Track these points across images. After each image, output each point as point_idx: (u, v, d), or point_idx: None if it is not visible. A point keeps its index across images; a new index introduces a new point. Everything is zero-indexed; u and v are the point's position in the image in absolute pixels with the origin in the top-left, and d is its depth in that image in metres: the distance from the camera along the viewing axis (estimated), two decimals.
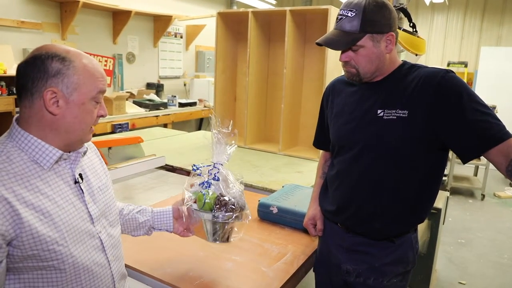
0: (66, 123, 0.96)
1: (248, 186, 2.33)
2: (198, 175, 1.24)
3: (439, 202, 2.64)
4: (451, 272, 3.29)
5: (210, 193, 1.19)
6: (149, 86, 6.10)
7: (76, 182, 1.01)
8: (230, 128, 1.21)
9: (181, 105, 5.75)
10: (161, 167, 2.63)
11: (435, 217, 2.64)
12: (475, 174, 5.69)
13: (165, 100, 5.65)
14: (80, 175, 1.03)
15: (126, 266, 1.31)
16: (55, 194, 0.95)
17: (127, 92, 5.40)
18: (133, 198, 2.06)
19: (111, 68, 5.38)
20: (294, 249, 1.53)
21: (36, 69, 0.93)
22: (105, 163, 2.42)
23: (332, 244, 1.43)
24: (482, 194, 5.16)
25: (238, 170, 2.64)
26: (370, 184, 1.29)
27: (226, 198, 1.19)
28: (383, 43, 1.24)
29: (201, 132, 4.29)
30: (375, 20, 1.21)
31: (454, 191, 5.29)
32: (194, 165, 1.26)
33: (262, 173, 2.59)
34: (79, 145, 1.04)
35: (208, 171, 1.23)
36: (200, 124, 6.73)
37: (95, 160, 1.15)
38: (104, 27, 5.32)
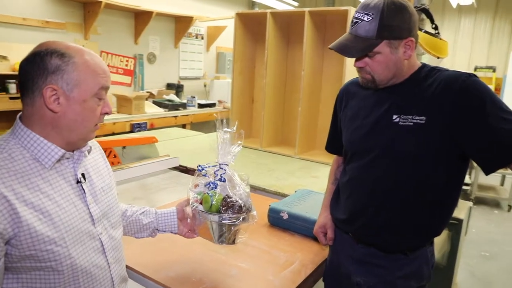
0: (68, 121, 0.94)
1: (261, 190, 2.28)
2: (203, 175, 1.21)
3: (461, 213, 2.53)
4: (473, 286, 3.15)
5: (217, 194, 1.16)
6: (169, 86, 6.13)
7: (78, 182, 0.99)
8: (235, 128, 1.17)
9: (201, 106, 5.75)
10: (175, 168, 2.61)
11: (457, 228, 2.52)
12: (502, 184, 5.46)
13: (185, 101, 5.66)
14: (83, 174, 1.01)
15: (128, 267, 1.29)
16: (55, 194, 0.93)
17: (147, 92, 5.44)
18: (144, 199, 2.04)
19: (131, 68, 5.45)
20: (302, 257, 1.47)
21: (35, 66, 0.91)
22: (119, 162, 2.43)
23: (343, 254, 1.36)
24: (508, 205, 4.94)
25: (252, 173, 2.61)
26: (383, 194, 1.22)
27: (233, 199, 1.15)
28: (401, 49, 1.17)
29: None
30: (394, 25, 1.14)
31: (479, 201, 5.09)
32: (199, 166, 1.22)
33: (276, 176, 2.54)
34: (83, 143, 1.01)
35: (214, 172, 1.19)
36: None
37: (99, 160, 1.13)
38: (126, 27, 5.37)
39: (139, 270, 1.31)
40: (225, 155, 1.19)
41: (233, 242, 1.21)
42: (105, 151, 2.34)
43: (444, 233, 2.50)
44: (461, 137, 1.12)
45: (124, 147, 2.48)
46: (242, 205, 1.15)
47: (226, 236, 1.18)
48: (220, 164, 1.19)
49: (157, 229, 1.29)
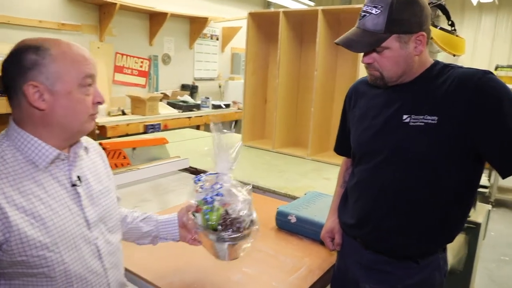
0: (58, 117, 0.91)
1: (271, 192, 2.24)
2: (200, 187, 1.12)
3: (479, 216, 2.43)
4: None
5: (214, 211, 1.07)
6: (184, 87, 6.14)
7: (73, 185, 0.96)
8: (232, 129, 1.11)
9: (215, 106, 5.74)
10: (185, 169, 2.60)
11: (474, 232, 2.43)
12: None
13: (199, 102, 5.66)
14: (79, 177, 0.98)
15: (129, 271, 1.26)
16: (49, 197, 0.90)
17: (161, 93, 5.45)
18: (151, 201, 2.03)
19: (146, 69, 5.48)
20: (310, 262, 1.43)
21: (13, 65, 0.89)
22: (128, 163, 2.42)
23: (350, 260, 1.31)
24: None
25: (263, 174, 2.57)
26: (393, 197, 1.17)
27: (233, 216, 1.06)
28: (411, 44, 1.11)
29: (232, 134, 4.25)
30: (403, 19, 1.08)
31: (499, 204, 4.93)
32: (196, 177, 1.14)
33: (287, 178, 2.49)
34: (79, 136, 0.98)
35: (211, 186, 1.10)
36: (234, 126, 6.71)
37: (98, 162, 1.09)
38: (141, 28, 5.40)
39: (140, 274, 1.29)
40: (222, 164, 1.11)
41: (235, 257, 1.14)
42: (114, 153, 2.36)
43: (461, 237, 2.42)
44: (475, 138, 1.06)
45: (134, 148, 2.47)
46: (242, 221, 1.07)
47: (227, 253, 1.11)
48: (218, 175, 1.11)
49: (158, 237, 1.24)
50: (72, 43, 0.95)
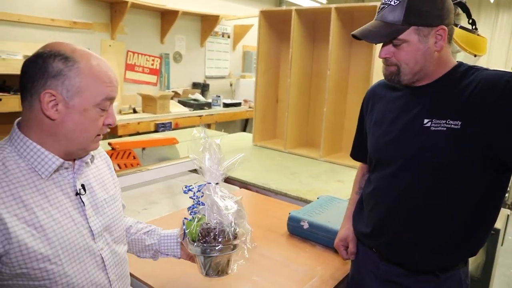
0: (66, 130, 0.87)
1: (282, 195, 2.19)
2: (190, 197, 1.05)
3: (497, 222, 2.34)
4: None
5: (196, 220, 1.01)
6: (195, 85, 6.11)
7: (77, 193, 0.92)
8: (219, 142, 1.02)
9: (226, 105, 5.70)
10: (195, 170, 2.56)
11: (493, 238, 2.34)
12: None
13: (210, 100, 5.62)
14: (83, 186, 0.94)
15: (134, 276, 1.22)
16: (51, 207, 0.86)
17: (172, 91, 5.43)
18: (159, 203, 1.99)
19: (157, 68, 5.46)
20: (322, 272, 1.37)
21: (37, 68, 0.85)
22: (138, 164, 2.39)
23: (365, 270, 1.25)
24: None
25: (274, 176, 2.52)
26: (412, 207, 1.10)
27: (211, 226, 0.99)
28: (431, 38, 1.05)
29: (242, 133, 4.20)
30: (423, 10, 1.03)
31: None
32: (186, 186, 1.06)
33: (300, 180, 2.44)
34: (83, 154, 0.95)
35: (194, 194, 1.03)
36: (245, 125, 6.66)
37: (103, 170, 1.05)
38: (152, 26, 5.38)
39: (146, 281, 1.25)
40: (210, 172, 1.03)
41: (223, 273, 1.06)
42: (124, 153, 2.33)
43: None
44: (501, 146, 0.99)
45: (143, 148, 2.44)
46: (220, 232, 0.99)
47: (211, 268, 1.03)
48: (205, 184, 1.03)
49: (159, 252, 1.20)
50: (102, 60, 0.91)
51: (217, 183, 1.03)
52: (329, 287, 1.29)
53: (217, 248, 0.99)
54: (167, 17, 5.38)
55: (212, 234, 0.99)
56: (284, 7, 6.85)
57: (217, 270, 1.04)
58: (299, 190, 2.22)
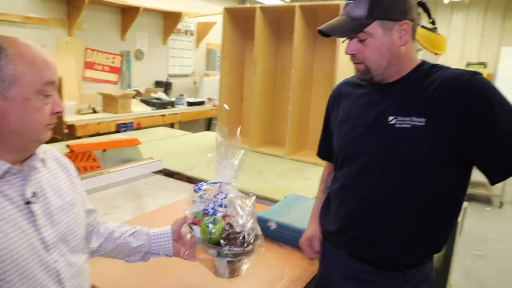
0: (11, 125, 0.80)
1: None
2: (200, 197, 1.03)
3: None
4: (466, 287, 3.07)
5: (217, 223, 0.98)
6: (158, 84, 5.97)
7: (27, 202, 0.85)
8: (238, 136, 1.01)
9: (190, 104, 5.61)
10: (159, 172, 2.49)
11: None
12: None
13: (173, 99, 5.52)
14: (34, 193, 0.86)
15: None
16: None
17: (134, 90, 5.28)
18: (121, 207, 1.91)
19: (118, 66, 5.29)
20: (291, 272, 1.36)
21: None
22: (98, 167, 2.29)
23: (333, 270, 1.25)
24: (500, 202, 4.89)
25: (241, 174, 2.47)
26: (378, 203, 1.11)
27: (236, 230, 0.98)
28: (395, 33, 1.06)
29: (207, 133, 4.14)
30: (386, 5, 1.04)
31: (470, 198, 5.02)
32: (196, 185, 1.05)
33: (265, 179, 2.42)
34: (35, 148, 0.87)
35: (214, 195, 1.02)
36: (209, 124, 6.59)
37: (58, 174, 0.97)
38: (112, 23, 5.20)
39: None
40: (225, 171, 1.02)
41: (237, 274, 1.05)
42: (83, 155, 2.23)
43: None
44: (464, 142, 1.01)
45: (104, 150, 2.35)
46: (247, 235, 0.98)
47: (228, 270, 1.02)
48: (220, 184, 1.02)
49: (150, 253, 1.14)
50: (32, 44, 0.84)
51: (230, 183, 1.02)
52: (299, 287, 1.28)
53: (246, 250, 0.97)
54: (127, 13, 5.23)
55: (236, 236, 0.97)
56: (248, 5, 6.83)
57: (233, 271, 1.03)
58: (265, 189, 2.20)
